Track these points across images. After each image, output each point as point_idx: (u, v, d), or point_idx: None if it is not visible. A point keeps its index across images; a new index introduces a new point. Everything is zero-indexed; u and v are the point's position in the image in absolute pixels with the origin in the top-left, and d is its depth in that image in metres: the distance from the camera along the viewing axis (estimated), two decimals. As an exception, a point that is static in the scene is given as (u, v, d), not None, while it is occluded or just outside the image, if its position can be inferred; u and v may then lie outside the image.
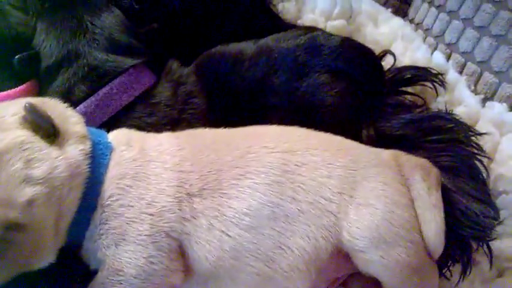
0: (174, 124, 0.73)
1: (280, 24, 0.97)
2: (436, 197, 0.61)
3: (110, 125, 0.70)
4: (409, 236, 0.58)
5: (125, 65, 0.75)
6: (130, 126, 0.69)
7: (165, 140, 0.64)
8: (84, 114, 0.70)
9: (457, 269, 0.70)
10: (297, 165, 0.60)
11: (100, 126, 0.69)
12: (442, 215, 0.61)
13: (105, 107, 0.72)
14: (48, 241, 0.53)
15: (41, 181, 0.52)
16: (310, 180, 0.59)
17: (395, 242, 0.57)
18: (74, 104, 0.70)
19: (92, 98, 0.72)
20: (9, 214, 0.49)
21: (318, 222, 0.57)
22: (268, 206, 0.57)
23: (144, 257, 0.55)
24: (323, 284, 0.61)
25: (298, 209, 0.57)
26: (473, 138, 0.75)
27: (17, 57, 0.74)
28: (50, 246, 0.54)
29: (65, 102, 0.63)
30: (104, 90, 0.72)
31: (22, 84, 0.75)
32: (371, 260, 0.57)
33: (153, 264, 0.55)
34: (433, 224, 0.59)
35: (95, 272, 0.57)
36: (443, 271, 0.68)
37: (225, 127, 0.69)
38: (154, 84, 0.77)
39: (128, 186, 0.57)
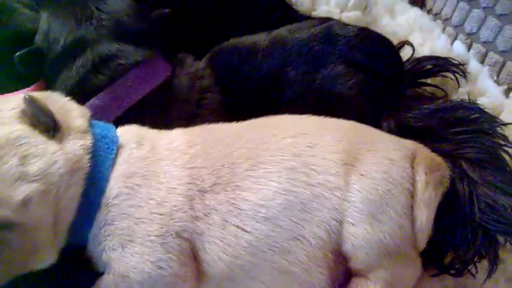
0: (189, 119, 0.71)
1: (294, 16, 0.94)
2: (430, 195, 0.59)
3: (124, 118, 0.68)
4: (399, 220, 0.56)
5: (139, 56, 0.71)
6: (144, 122, 0.66)
7: (176, 137, 0.62)
8: (98, 107, 0.68)
9: (480, 266, 0.67)
10: (309, 146, 0.58)
11: (114, 121, 0.67)
12: (430, 215, 0.58)
13: (120, 101, 0.69)
14: (46, 241, 0.51)
15: (37, 178, 0.50)
16: (321, 160, 0.57)
17: (383, 221, 0.56)
18: (86, 98, 0.68)
19: (106, 91, 0.69)
20: (2, 214, 0.47)
21: (329, 204, 0.56)
22: (282, 194, 0.55)
23: (151, 261, 0.52)
24: (340, 275, 0.58)
25: (312, 194, 0.56)
26: (498, 129, 0.71)
27: (16, 54, 0.70)
28: (48, 246, 0.52)
29: (75, 96, 0.61)
30: (119, 82, 0.69)
31: (31, 83, 0.73)
32: (355, 234, 0.55)
33: (161, 269, 0.52)
34: (417, 222, 0.58)
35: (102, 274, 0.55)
36: (470, 268, 0.65)
37: (239, 121, 0.66)
38: (169, 77, 0.74)
39: (137, 185, 0.55)
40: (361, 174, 0.57)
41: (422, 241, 0.59)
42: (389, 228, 0.56)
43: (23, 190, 0.49)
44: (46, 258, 0.52)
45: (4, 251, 0.48)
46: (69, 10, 0.72)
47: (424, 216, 0.58)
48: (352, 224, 0.55)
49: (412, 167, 0.60)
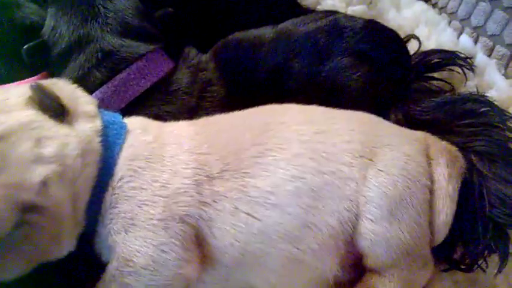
0: (192, 112, 0.71)
1: (299, 10, 0.94)
2: (453, 188, 0.58)
3: (127, 112, 0.67)
4: (417, 217, 0.56)
5: (141, 50, 0.72)
6: (148, 114, 0.67)
7: (182, 127, 0.62)
8: (101, 101, 0.68)
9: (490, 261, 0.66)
10: (317, 133, 0.57)
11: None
12: (453, 207, 0.58)
13: (122, 93, 0.69)
14: (68, 224, 0.51)
15: (52, 160, 0.49)
16: (331, 147, 0.56)
17: (402, 218, 0.55)
18: (89, 91, 0.67)
19: (109, 84, 0.69)
20: (24, 196, 0.47)
21: (341, 193, 0.55)
22: (291, 181, 0.54)
23: (153, 245, 0.51)
24: (351, 262, 0.58)
25: (322, 181, 0.55)
26: (508, 122, 0.70)
27: (25, 47, 0.71)
28: (69, 230, 0.52)
29: (79, 89, 0.61)
30: (121, 76, 0.70)
31: (36, 75, 0.73)
32: (374, 231, 0.54)
33: (164, 253, 0.51)
34: (441, 215, 0.57)
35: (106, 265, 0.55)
36: (480, 262, 0.64)
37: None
38: (172, 71, 0.74)
39: (140, 167, 0.55)
40: (380, 170, 0.56)
41: (443, 235, 0.58)
42: (408, 226, 0.55)
43: (40, 172, 0.48)
44: (67, 244, 0.52)
45: (32, 233, 0.48)
46: (77, 7, 0.73)
47: (449, 210, 0.57)
48: (372, 221, 0.55)
49: (430, 160, 0.59)
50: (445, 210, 0.57)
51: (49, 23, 0.73)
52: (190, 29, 0.84)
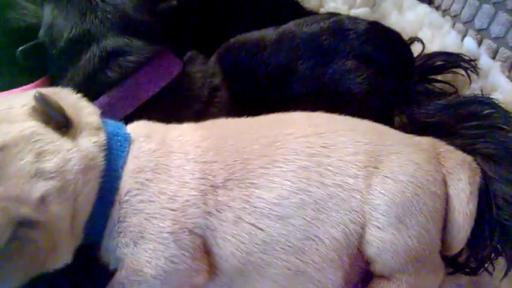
0: (200, 116, 0.69)
1: (301, 12, 0.93)
2: (474, 205, 0.58)
3: (134, 117, 0.65)
4: (426, 224, 0.55)
5: (149, 53, 0.70)
6: (155, 119, 0.65)
7: (187, 131, 0.60)
8: (107, 105, 0.66)
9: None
10: (323, 147, 0.57)
11: (124, 119, 0.65)
12: (472, 224, 0.58)
13: (130, 99, 0.68)
14: (65, 239, 0.50)
15: (53, 175, 0.48)
16: (337, 161, 0.56)
17: (410, 225, 0.54)
18: (94, 95, 0.66)
19: (116, 89, 0.67)
20: (21, 211, 0.46)
21: (346, 205, 0.54)
22: (296, 193, 0.54)
23: (164, 257, 0.51)
24: (356, 276, 0.57)
25: (327, 194, 0.54)
26: (513, 124, 0.70)
27: (19, 49, 0.68)
28: (66, 244, 0.51)
29: (84, 93, 0.60)
30: (129, 81, 0.68)
31: (36, 79, 0.72)
32: (382, 238, 0.54)
33: (175, 264, 0.51)
34: (461, 232, 0.57)
35: (114, 272, 0.54)
36: (486, 265, 0.63)
37: (248, 116, 0.65)
38: (179, 75, 0.72)
39: (147, 180, 0.54)
40: (386, 177, 0.56)
41: (459, 248, 0.59)
42: (417, 233, 0.54)
43: (40, 187, 0.47)
44: (63, 257, 0.51)
45: (26, 249, 0.47)
46: (74, 3, 0.70)
47: (469, 226, 0.57)
48: (379, 228, 0.54)
49: (448, 173, 0.59)
50: (465, 227, 0.57)
51: (45, 22, 0.71)
52: (193, 32, 0.84)
